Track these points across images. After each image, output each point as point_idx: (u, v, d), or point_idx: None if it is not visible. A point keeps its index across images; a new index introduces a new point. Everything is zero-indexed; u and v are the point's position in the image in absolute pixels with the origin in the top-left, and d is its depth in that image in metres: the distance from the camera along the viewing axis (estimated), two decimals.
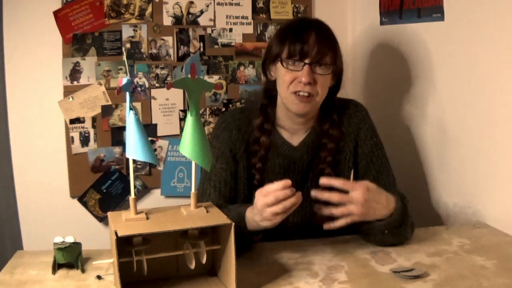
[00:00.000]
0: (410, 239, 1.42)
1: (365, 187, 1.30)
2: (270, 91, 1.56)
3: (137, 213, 1.18)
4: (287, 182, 1.22)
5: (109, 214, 1.21)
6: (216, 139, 1.56)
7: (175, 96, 2.21)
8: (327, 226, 1.31)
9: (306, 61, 1.43)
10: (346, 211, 1.28)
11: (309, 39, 1.43)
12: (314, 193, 1.30)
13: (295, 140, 1.55)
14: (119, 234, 1.06)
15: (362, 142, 1.56)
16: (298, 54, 1.43)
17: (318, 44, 1.43)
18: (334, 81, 1.53)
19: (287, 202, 1.21)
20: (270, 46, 1.53)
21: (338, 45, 1.50)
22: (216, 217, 1.17)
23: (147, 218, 1.17)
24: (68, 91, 2.10)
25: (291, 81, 1.45)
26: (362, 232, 1.43)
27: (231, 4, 2.23)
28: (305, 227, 1.52)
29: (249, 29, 2.25)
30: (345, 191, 1.29)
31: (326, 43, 1.45)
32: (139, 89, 2.17)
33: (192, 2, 2.18)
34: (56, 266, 1.26)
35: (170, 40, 2.18)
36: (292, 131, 1.56)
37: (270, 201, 1.22)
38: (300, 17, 1.50)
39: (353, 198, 1.28)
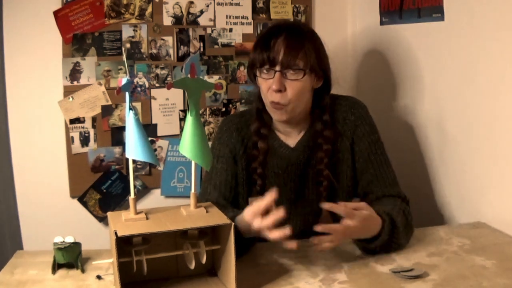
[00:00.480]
0: (405, 245, 1.40)
1: (362, 218, 1.25)
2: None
3: (137, 213, 1.18)
4: (272, 197, 1.21)
5: (109, 214, 1.21)
6: (218, 141, 1.59)
7: (175, 96, 2.21)
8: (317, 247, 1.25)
9: (277, 68, 1.43)
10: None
11: (276, 45, 1.43)
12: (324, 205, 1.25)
13: (292, 141, 1.56)
14: (119, 234, 1.06)
15: (359, 140, 1.55)
16: (267, 63, 1.44)
17: (285, 49, 1.42)
18: (320, 82, 1.51)
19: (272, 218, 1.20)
20: (250, 55, 1.53)
21: (314, 46, 1.47)
22: (216, 217, 1.17)
23: (147, 218, 1.17)
24: (68, 91, 2.10)
25: (267, 90, 1.46)
26: None
27: (231, 4, 2.23)
28: (305, 233, 1.51)
29: (249, 29, 2.25)
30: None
31: (295, 47, 1.43)
32: (139, 89, 2.17)
33: (192, 2, 2.18)
34: (56, 266, 1.26)
35: (170, 40, 2.18)
36: (288, 133, 1.56)
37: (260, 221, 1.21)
38: (275, 22, 1.50)
39: (346, 224, 1.24)
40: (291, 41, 1.44)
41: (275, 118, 1.51)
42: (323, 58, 1.50)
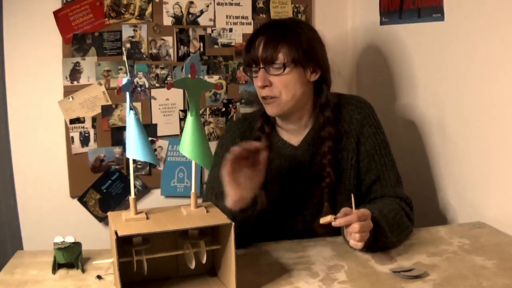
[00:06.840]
0: (396, 243, 1.40)
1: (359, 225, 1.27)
2: None
3: (137, 213, 1.18)
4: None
5: (109, 214, 1.21)
6: (221, 148, 1.59)
7: (175, 96, 2.21)
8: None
9: (260, 65, 1.46)
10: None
11: (256, 43, 1.47)
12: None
13: (296, 140, 1.56)
14: (119, 234, 1.07)
15: (365, 140, 1.54)
16: (252, 62, 1.47)
17: (263, 46, 1.45)
18: (316, 74, 1.51)
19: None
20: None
21: (297, 38, 1.46)
22: (216, 217, 1.18)
23: (147, 218, 1.17)
24: (68, 91, 2.10)
25: (257, 87, 1.49)
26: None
27: (231, 4, 2.23)
28: (305, 234, 1.51)
29: (249, 29, 2.25)
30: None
31: (273, 41, 1.45)
32: (139, 89, 2.17)
33: (192, 2, 2.18)
34: (56, 266, 1.26)
35: (170, 40, 2.18)
36: (292, 132, 1.56)
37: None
38: (265, 22, 1.56)
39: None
40: (270, 36, 1.46)
41: (268, 113, 1.52)
42: (311, 49, 1.48)
